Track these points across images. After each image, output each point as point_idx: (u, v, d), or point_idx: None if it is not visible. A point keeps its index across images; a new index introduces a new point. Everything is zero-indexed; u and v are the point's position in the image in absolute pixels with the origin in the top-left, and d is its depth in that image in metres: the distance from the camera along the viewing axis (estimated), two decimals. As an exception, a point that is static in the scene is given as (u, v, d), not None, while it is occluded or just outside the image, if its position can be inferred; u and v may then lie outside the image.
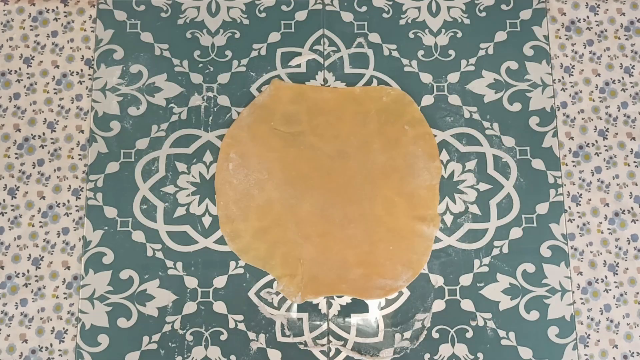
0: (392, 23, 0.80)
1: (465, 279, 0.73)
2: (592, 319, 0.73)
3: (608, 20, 0.82)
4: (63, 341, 0.71)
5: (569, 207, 0.76)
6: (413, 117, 0.77)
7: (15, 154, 0.76)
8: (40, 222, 0.74)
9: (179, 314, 0.71)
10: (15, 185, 0.75)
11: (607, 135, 0.78)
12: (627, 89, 0.80)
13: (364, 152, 0.76)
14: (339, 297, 0.73)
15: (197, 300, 0.72)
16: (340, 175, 0.75)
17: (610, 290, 0.74)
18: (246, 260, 0.73)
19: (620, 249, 0.75)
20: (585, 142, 0.78)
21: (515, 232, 0.74)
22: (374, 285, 0.72)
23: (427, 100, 0.78)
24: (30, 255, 0.73)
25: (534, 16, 0.81)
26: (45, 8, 0.80)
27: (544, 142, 0.77)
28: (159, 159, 0.75)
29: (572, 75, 0.80)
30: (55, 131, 0.76)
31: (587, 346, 0.72)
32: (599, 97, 0.79)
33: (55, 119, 0.77)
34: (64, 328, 0.71)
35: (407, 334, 0.72)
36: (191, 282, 0.72)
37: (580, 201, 0.76)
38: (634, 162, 0.78)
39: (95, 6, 0.80)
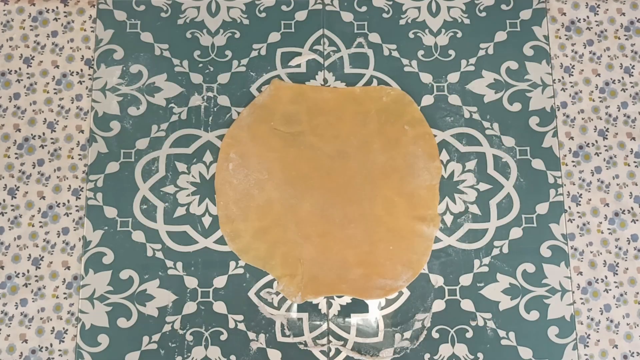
0: (392, 23, 0.80)
1: (465, 279, 0.73)
2: (592, 319, 0.73)
3: (608, 20, 0.82)
4: (63, 341, 0.71)
5: (569, 207, 0.76)
6: (413, 117, 0.77)
7: (15, 154, 0.76)
8: (40, 222, 0.74)
9: (179, 314, 0.71)
10: (15, 185, 0.75)
11: (607, 135, 0.78)
12: (627, 89, 0.80)
13: (364, 152, 0.76)
14: (339, 297, 0.73)
15: (197, 300, 0.72)
16: (340, 175, 0.75)
17: (610, 290, 0.74)
18: (246, 260, 0.73)
19: (620, 249, 0.75)
20: (585, 142, 0.78)
21: (515, 232, 0.74)
22: (374, 285, 0.72)
23: (427, 100, 0.78)
24: (30, 255, 0.73)
25: (534, 16, 0.81)
26: (45, 8, 0.80)
27: (544, 142, 0.77)
28: (159, 159, 0.75)
29: (572, 75, 0.80)
30: (55, 131, 0.76)
31: (587, 346, 0.72)
32: (599, 97, 0.79)
33: (55, 119, 0.77)
34: (64, 328, 0.71)
35: (407, 334, 0.72)
36: (191, 282, 0.72)
37: (580, 201, 0.76)
38: (634, 162, 0.78)
39: (95, 6, 0.80)
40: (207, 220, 0.74)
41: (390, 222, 0.74)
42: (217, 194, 0.74)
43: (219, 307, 0.72)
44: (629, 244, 0.76)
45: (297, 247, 0.73)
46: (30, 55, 0.78)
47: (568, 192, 0.76)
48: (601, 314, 0.73)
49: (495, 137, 0.77)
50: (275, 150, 0.75)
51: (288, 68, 0.79)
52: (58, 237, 0.74)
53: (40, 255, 0.73)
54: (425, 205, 0.74)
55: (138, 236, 0.73)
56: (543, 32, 0.80)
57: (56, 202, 0.74)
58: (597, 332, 0.73)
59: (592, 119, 0.79)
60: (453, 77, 0.79)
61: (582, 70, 0.80)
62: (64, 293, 0.72)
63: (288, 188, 0.74)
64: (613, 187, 0.77)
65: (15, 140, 0.76)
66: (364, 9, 0.81)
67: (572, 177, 0.77)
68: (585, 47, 0.81)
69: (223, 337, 0.71)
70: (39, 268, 0.73)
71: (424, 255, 0.73)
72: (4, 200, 0.74)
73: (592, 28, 0.81)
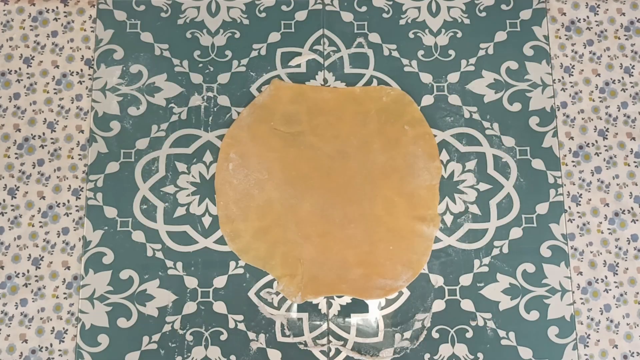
0: (392, 23, 0.80)
1: (465, 279, 0.73)
2: (592, 319, 0.73)
3: (608, 20, 0.82)
4: (63, 341, 0.71)
5: (569, 207, 0.76)
6: (413, 117, 0.77)
7: (15, 154, 0.76)
8: (40, 222, 0.74)
9: (179, 314, 0.71)
10: (15, 185, 0.75)
11: (607, 135, 0.78)
12: (627, 89, 0.80)
13: (364, 152, 0.76)
14: (339, 297, 0.73)
15: (197, 300, 0.72)
16: (340, 175, 0.75)
17: (610, 290, 0.74)
18: (246, 260, 0.73)
19: (620, 249, 0.75)
20: (585, 142, 0.78)
21: (515, 232, 0.74)
22: (374, 285, 0.72)
23: (427, 100, 0.78)
24: (30, 255, 0.73)
25: (534, 16, 0.81)
26: (45, 8, 0.80)
27: (544, 142, 0.77)
28: (159, 159, 0.75)
29: (572, 75, 0.80)
30: (55, 131, 0.76)
31: (587, 346, 0.72)
32: (599, 97, 0.79)
33: (55, 119, 0.77)
34: (64, 328, 0.71)
35: (407, 334, 0.72)
36: (191, 282, 0.72)
37: (580, 201, 0.76)
38: (634, 162, 0.78)
39: (95, 6, 0.80)
40: (207, 220, 0.74)
41: (390, 222, 0.74)
42: (217, 194, 0.74)
43: (219, 307, 0.72)
44: (629, 244, 0.76)
45: (297, 247, 0.73)
46: (30, 55, 0.78)
47: (568, 192, 0.76)
48: (601, 314, 0.73)
49: (495, 137, 0.77)
50: (275, 150, 0.75)
51: (288, 68, 0.79)
52: (58, 237, 0.74)
53: (40, 255, 0.73)
54: (425, 205, 0.74)
55: (138, 236, 0.73)
56: (543, 32, 0.80)
57: (56, 202, 0.74)
58: (597, 332, 0.73)
59: (592, 119, 0.79)
60: (453, 77, 0.79)
61: (582, 70, 0.80)
62: (64, 293, 0.72)
63: (288, 188, 0.74)
64: (613, 187, 0.77)
65: (15, 140, 0.76)
66: (364, 9, 0.81)
67: (572, 177, 0.77)
68: (585, 47, 0.81)
69: (223, 337, 0.71)
70: (39, 268, 0.73)
71: (424, 255, 0.73)
72: (4, 200, 0.74)
73: (592, 28, 0.81)
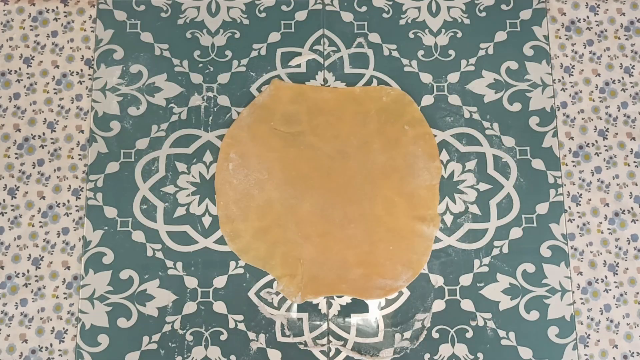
0: (392, 23, 0.80)
1: (465, 279, 0.73)
2: (592, 319, 0.73)
3: (608, 20, 0.82)
4: (63, 341, 0.71)
5: (569, 207, 0.76)
6: (413, 117, 0.77)
7: (15, 154, 0.76)
8: (40, 222, 0.74)
9: (179, 314, 0.71)
10: (15, 185, 0.75)
11: (607, 135, 0.78)
12: (627, 89, 0.80)
13: (364, 152, 0.76)
14: (339, 297, 0.73)
15: (197, 300, 0.72)
16: (340, 175, 0.75)
17: (610, 290, 0.74)
18: (246, 260, 0.73)
19: (620, 249, 0.75)
20: (585, 142, 0.78)
21: (515, 232, 0.74)
22: (374, 285, 0.72)
23: (427, 100, 0.78)
24: (30, 255, 0.73)
25: (534, 16, 0.81)
26: (45, 8, 0.80)
27: (544, 142, 0.77)
28: (159, 159, 0.75)
29: (572, 75, 0.80)
30: (55, 131, 0.76)
31: (587, 346, 0.72)
32: (599, 97, 0.79)
33: (55, 119, 0.77)
34: (64, 328, 0.71)
35: (407, 334, 0.72)
36: (191, 282, 0.72)
37: (580, 201, 0.76)
38: (634, 162, 0.78)
39: (95, 6, 0.80)
40: (207, 220, 0.74)
41: (390, 222, 0.74)
42: (217, 194, 0.74)
43: (219, 307, 0.72)
44: (629, 244, 0.76)
45: (297, 247, 0.73)
46: (30, 55, 0.78)
47: (568, 192, 0.76)
48: (601, 314, 0.73)
49: (495, 137, 0.77)
50: (275, 150, 0.75)
51: (288, 68, 0.79)
52: (58, 237, 0.74)
53: (40, 255, 0.73)
54: (425, 205, 0.74)
55: (138, 236, 0.73)
56: (543, 32, 0.80)
57: (56, 202, 0.74)
58: (597, 332, 0.73)
59: (592, 119, 0.79)
60: (453, 77, 0.79)
61: (582, 70, 0.80)
62: (64, 293, 0.72)
63: (288, 188, 0.74)
64: (613, 187, 0.77)
65: (15, 140, 0.76)
66: (364, 9, 0.81)
67: (572, 177, 0.77)
68: (585, 47, 0.81)
69: (223, 337, 0.71)
70: (39, 268, 0.73)
71: (424, 255, 0.73)
72: (4, 200, 0.74)
73: (592, 28, 0.81)
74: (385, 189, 0.74)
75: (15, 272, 0.73)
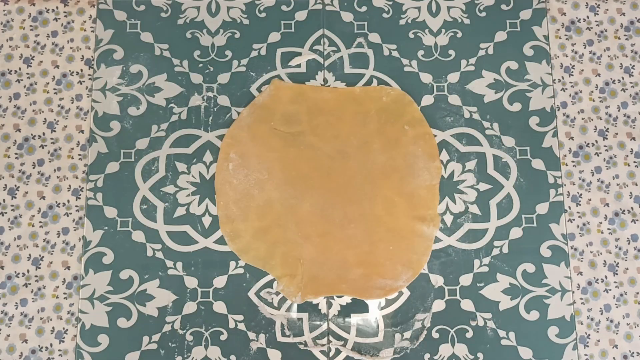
0: (392, 23, 0.80)
1: (465, 279, 0.73)
2: (592, 319, 0.73)
3: (608, 20, 0.82)
4: (63, 341, 0.71)
5: (569, 207, 0.76)
6: (413, 117, 0.77)
7: (15, 154, 0.76)
8: (40, 222, 0.74)
9: (179, 314, 0.71)
10: (15, 185, 0.75)
11: (607, 135, 0.78)
12: (627, 89, 0.80)
13: (364, 152, 0.76)
14: (339, 297, 0.73)
15: (197, 300, 0.72)
16: (340, 175, 0.75)
17: (610, 290, 0.74)
18: (246, 260, 0.73)
19: (620, 249, 0.75)
20: (585, 142, 0.78)
21: (515, 232, 0.74)
22: (374, 285, 0.72)
23: (427, 100, 0.78)
24: (30, 255, 0.73)
25: (534, 16, 0.81)
26: (45, 8, 0.80)
27: (544, 142, 0.77)
28: (159, 159, 0.75)
29: (572, 75, 0.80)
30: (55, 131, 0.76)
31: (587, 346, 0.72)
32: (599, 97, 0.79)
33: (55, 119, 0.77)
34: (64, 328, 0.71)
35: (407, 334, 0.72)
36: (191, 282, 0.72)
37: (580, 201, 0.76)
38: (634, 162, 0.78)
39: (95, 6, 0.80)
40: (207, 220, 0.74)
41: (390, 222, 0.74)
42: (217, 194, 0.74)
43: (219, 307, 0.72)
44: (629, 244, 0.76)
45: (297, 247, 0.73)
46: (30, 55, 0.78)
47: (568, 192, 0.76)
48: (601, 314, 0.73)
49: (495, 137, 0.77)
50: (275, 150, 0.75)
51: (288, 68, 0.79)
52: (58, 237, 0.74)
53: (40, 255, 0.73)
54: (425, 205, 0.74)
55: (138, 236, 0.73)
56: (543, 32, 0.80)
57: (56, 202, 0.74)
58: (597, 332, 0.73)
59: (592, 119, 0.79)
60: (453, 77, 0.79)
61: (582, 70, 0.80)
62: (64, 293, 0.72)
63: (288, 188, 0.74)
64: (613, 187, 0.77)
65: (15, 140, 0.76)
66: (364, 9, 0.81)
67: (572, 177, 0.77)
68: (585, 47, 0.81)
69: (223, 337, 0.71)
70: (39, 268, 0.73)
71: (424, 255, 0.73)
72: (4, 200, 0.74)
73: (592, 28, 0.81)
74: (385, 189, 0.74)
75: (15, 272, 0.73)
